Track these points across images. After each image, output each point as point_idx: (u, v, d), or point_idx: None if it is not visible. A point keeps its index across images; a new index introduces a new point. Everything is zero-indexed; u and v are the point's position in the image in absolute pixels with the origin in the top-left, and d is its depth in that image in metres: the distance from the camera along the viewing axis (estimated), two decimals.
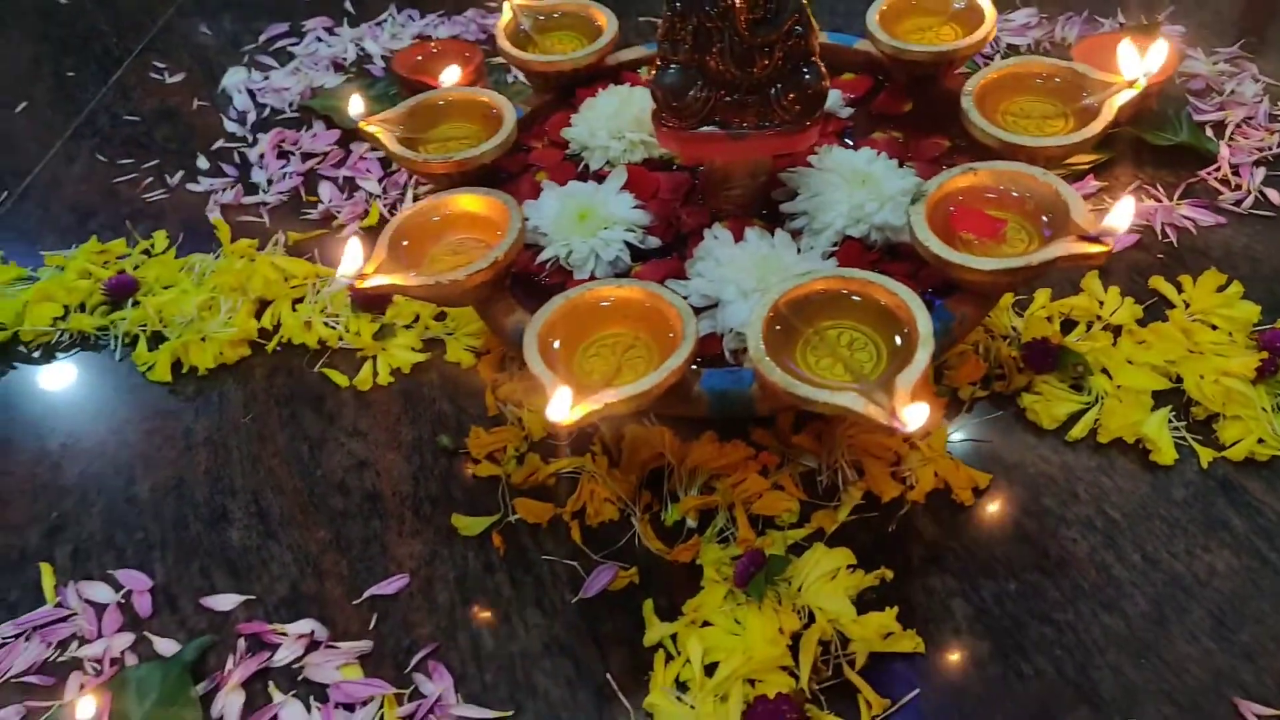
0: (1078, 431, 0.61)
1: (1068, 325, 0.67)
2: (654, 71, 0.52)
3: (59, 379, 0.72)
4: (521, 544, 0.59)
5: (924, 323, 0.43)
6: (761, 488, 0.58)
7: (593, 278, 0.54)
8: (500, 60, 0.72)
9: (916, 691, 0.51)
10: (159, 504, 0.63)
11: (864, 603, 0.53)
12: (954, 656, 0.52)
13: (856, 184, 0.55)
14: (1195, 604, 0.53)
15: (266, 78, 0.98)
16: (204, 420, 0.68)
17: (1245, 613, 0.53)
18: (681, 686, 0.51)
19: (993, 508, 0.58)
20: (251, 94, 0.96)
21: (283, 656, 0.55)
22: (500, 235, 0.52)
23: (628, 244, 0.56)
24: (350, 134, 0.89)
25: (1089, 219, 0.45)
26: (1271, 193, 0.76)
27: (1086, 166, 0.78)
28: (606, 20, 0.67)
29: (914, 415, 0.39)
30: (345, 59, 1.00)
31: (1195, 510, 0.57)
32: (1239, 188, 0.76)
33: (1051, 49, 0.92)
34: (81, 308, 0.76)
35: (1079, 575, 0.55)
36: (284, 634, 0.55)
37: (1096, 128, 0.51)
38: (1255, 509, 0.57)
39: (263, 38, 1.04)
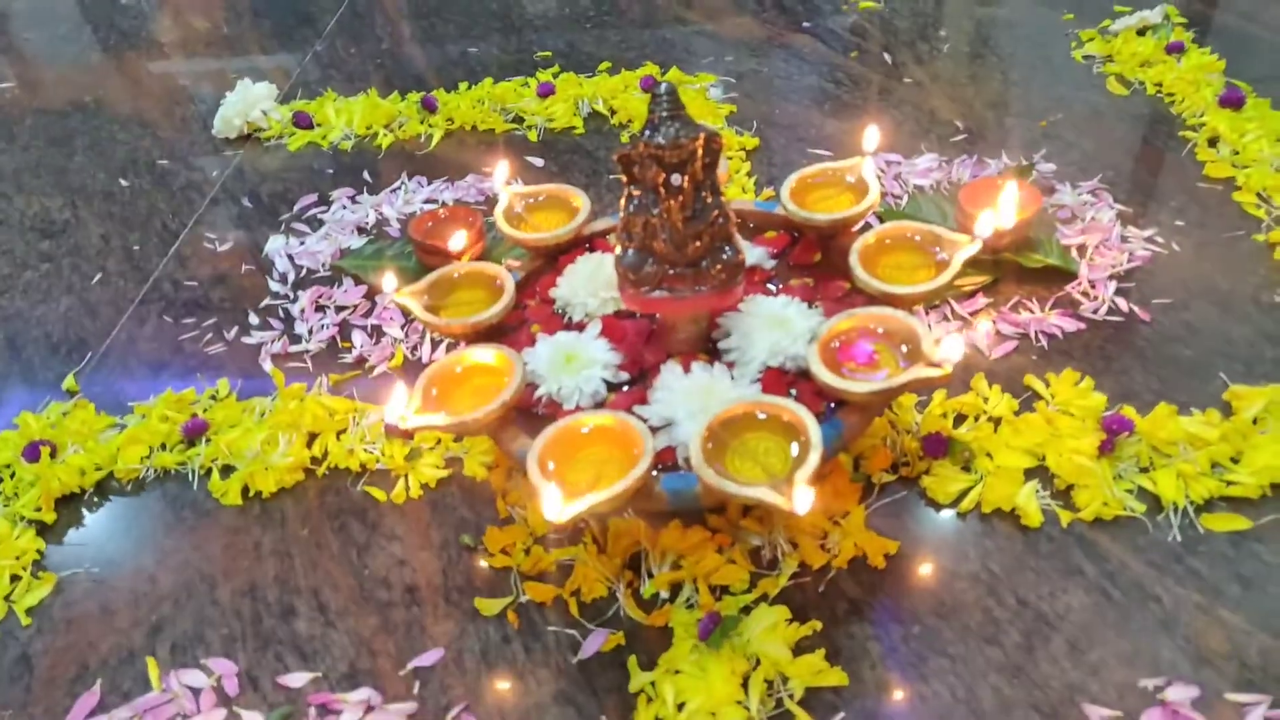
0: (966, 504, 0.77)
1: (959, 419, 0.84)
2: (617, 249, 0.70)
3: (149, 507, 0.88)
4: (531, 619, 0.74)
5: (814, 433, 0.60)
6: (718, 563, 0.74)
7: (578, 408, 0.71)
8: (494, 219, 0.90)
9: (842, 715, 0.66)
10: (238, 604, 0.79)
11: (800, 648, 0.69)
12: (871, 686, 0.67)
13: (774, 326, 0.72)
14: (1056, 634, 0.69)
15: (302, 243, 1.17)
16: (270, 534, 0.84)
17: (1093, 638, 0.68)
18: None
19: (900, 568, 0.74)
20: (290, 258, 1.15)
21: None
22: (508, 380, 0.69)
23: (604, 380, 0.73)
24: (375, 288, 1.07)
25: (932, 350, 0.63)
26: (1121, 301, 0.94)
27: (975, 288, 0.96)
28: (581, 201, 0.86)
29: (803, 500, 0.56)
30: (367, 223, 1.19)
31: (1056, 561, 0.73)
32: (1096, 298, 0.94)
33: (948, 188, 1.11)
34: (163, 447, 0.92)
35: (967, 617, 0.71)
36: (346, 701, 0.70)
37: (945, 278, 0.69)
38: (1102, 557, 0.73)
39: (296, 207, 1.24)
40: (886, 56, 1.40)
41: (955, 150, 1.18)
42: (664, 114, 0.65)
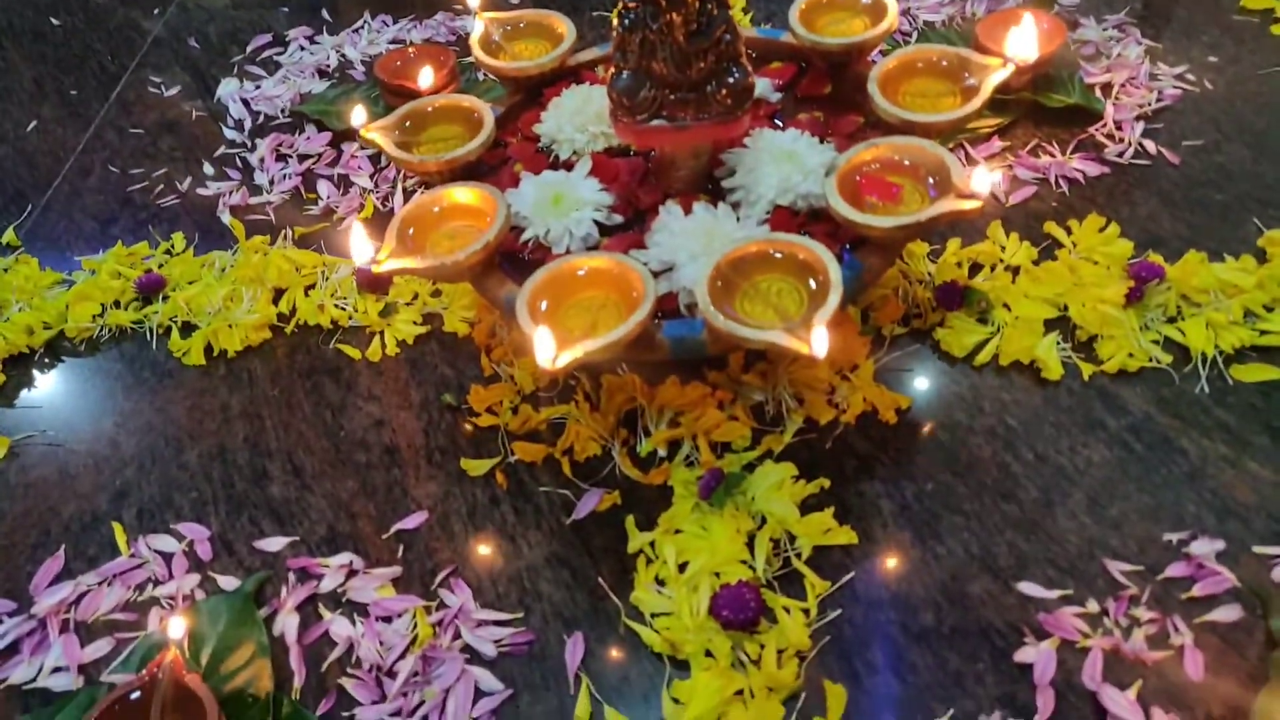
0: (982, 357, 0.73)
1: (975, 268, 0.78)
2: (609, 75, 0.62)
3: (105, 368, 0.82)
4: (521, 479, 0.70)
5: (834, 272, 0.54)
6: (718, 419, 0.69)
7: (568, 252, 0.65)
8: (471, 60, 0.82)
9: (851, 574, 0.62)
10: (207, 468, 0.74)
11: (806, 507, 0.65)
12: (881, 544, 0.64)
13: (783, 160, 0.66)
14: (1075, 489, 0.65)
15: (258, 87, 1.07)
16: (237, 395, 0.78)
17: (1115, 493, 0.65)
18: (660, 583, 0.63)
19: (913, 424, 0.70)
20: (246, 103, 1.05)
21: (328, 584, 0.65)
22: (490, 221, 0.63)
23: (595, 222, 0.66)
24: (341, 135, 0.99)
25: (964, 182, 0.56)
26: (1148, 144, 0.87)
27: (991, 129, 0.89)
28: (566, 28, 0.77)
29: (820, 342, 0.51)
30: (329, 65, 1.09)
31: (1077, 415, 0.69)
32: (1121, 141, 0.88)
33: (962, 24, 1.03)
34: (117, 305, 0.85)
35: (983, 474, 0.67)
36: (327, 566, 0.66)
37: (976, 104, 0.62)
38: (1125, 410, 0.69)
39: (249, 48, 1.13)
40: None
41: None
42: None
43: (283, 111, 1.04)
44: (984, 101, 0.62)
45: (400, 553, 0.67)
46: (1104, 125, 0.89)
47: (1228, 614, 0.58)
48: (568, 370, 0.53)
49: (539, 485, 0.69)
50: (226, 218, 0.92)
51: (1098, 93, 0.92)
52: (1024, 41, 0.83)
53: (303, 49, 1.12)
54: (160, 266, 0.88)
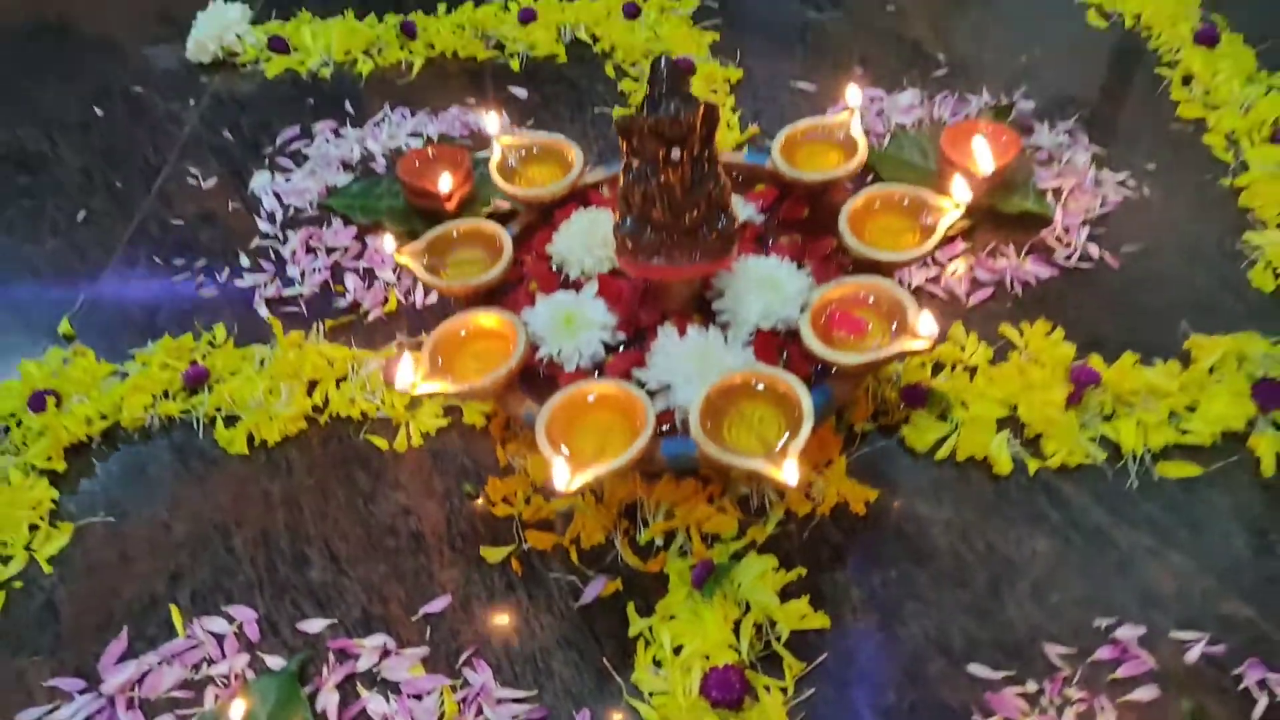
0: (943, 452, 0.82)
1: (937, 367, 0.88)
2: (617, 216, 0.72)
3: (157, 455, 0.91)
4: (533, 565, 0.79)
5: (806, 405, 0.63)
6: (709, 512, 0.78)
7: (578, 369, 0.74)
8: (484, 155, 0.91)
9: (825, 656, 0.72)
10: (252, 553, 0.83)
11: (786, 594, 0.74)
12: (851, 628, 0.73)
13: (765, 288, 0.75)
14: (1021, 578, 0.75)
15: (288, 180, 1.16)
16: (278, 483, 0.87)
17: (1055, 581, 0.74)
18: (657, 664, 0.72)
19: (880, 515, 0.79)
20: (277, 196, 1.15)
21: (364, 664, 0.74)
22: (510, 343, 0.72)
23: (602, 341, 0.76)
24: (366, 229, 1.08)
25: (917, 323, 0.66)
26: (1093, 248, 0.97)
27: (954, 234, 0.99)
28: (574, 154, 0.87)
29: (791, 473, 0.60)
30: (352, 159, 1.19)
31: (1024, 507, 0.79)
32: (1069, 245, 0.98)
33: (931, 127, 1.13)
34: (166, 395, 0.94)
35: (941, 562, 0.76)
36: (363, 646, 0.75)
37: (929, 246, 0.72)
38: (1065, 504, 0.78)
39: (279, 140, 1.22)
40: None
41: (937, 86, 1.19)
42: (663, 90, 0.66)
43: (311, 204, 1.13)
44: (936, 243, 0.72)
45: (428, 634, 0.76)
46: (1054, 229, 0.99)
47: (1146, 693, 0.67)
48: (579, 491, 0.63)
49: (550, 571, 0.78)
50: (263, 310, 1.02)
51: (1049, 198, 1.02)
52: (982, 157, 0.94)
53: (328, 141, 1.21)
54: (204, 358, 0.97)
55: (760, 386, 0.66)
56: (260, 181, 1.17)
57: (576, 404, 0.68)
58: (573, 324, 0.76)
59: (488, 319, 0.74)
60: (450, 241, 0.82)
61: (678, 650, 0.71)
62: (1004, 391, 0.84)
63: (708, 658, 0.70)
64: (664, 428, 0.70)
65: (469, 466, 0.87)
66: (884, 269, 0.73)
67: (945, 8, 1.32)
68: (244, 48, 1.36)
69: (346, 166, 1.18)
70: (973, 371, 0.87)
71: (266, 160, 1.20)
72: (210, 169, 1.20)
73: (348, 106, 1.26)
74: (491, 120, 0.89)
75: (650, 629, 0.73)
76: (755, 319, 0.74)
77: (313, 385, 0.94)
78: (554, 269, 0.83)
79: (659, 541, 0.79)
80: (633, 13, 1.32)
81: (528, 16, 1.32)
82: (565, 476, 0.62)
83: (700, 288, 0.78)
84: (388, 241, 0.81)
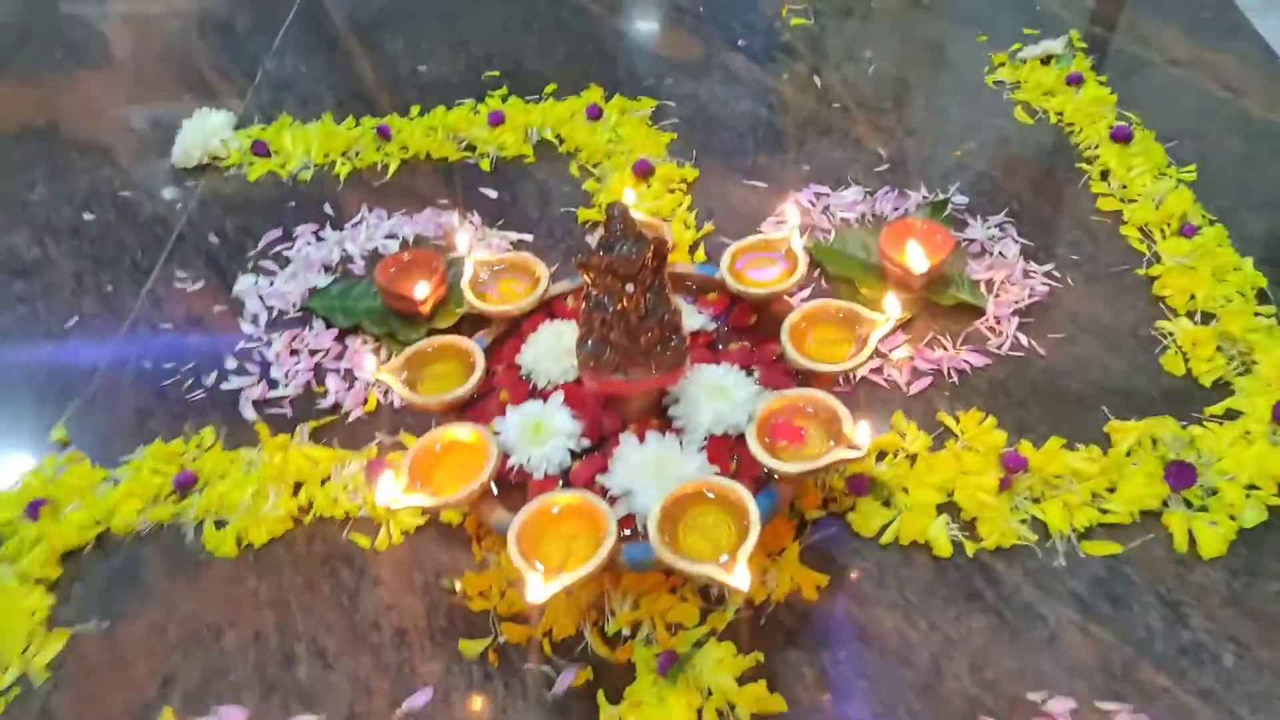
0: (887, 537, 0.89)
1: (880, 454, 0.95)
2: (579, 338, 0.79)
3: (149, 558, 0.96)
4: (509, 658, 0.85)
5: (754, 513, 0.70)
6: (672, 602, 0.85)
7: (546, 476, 0.81)
8: (458, 255, 0.98)
9: None
10: (243, 652, 0.88)
11: (744, 678, 0.80)
12: (806, 708, 0.79)
13: (717, 395, 0.83)
14: (959, 654, 0.81)
15: (271, 283, 1.23)
16: (266, 583, 0.93)
17: (990, 657, 0.81)
18: None
19: (830, 598, 0.86)
20: (261, 298, 1.21)
21: None
22: (483, 456, 0.79)
23: (568, 449, 0.83)
24: (346, 330, 1.15)
25: (852, 433, 0.73)
26: (1022, 337, 1.05)
27: (893, 327, 1.07)
28: (540, 270, 0.94)
29: (743, 578, 0.67)
30: (332, 261, 1.25)
31: (962, 587, 0.86)
32: (1001, 334, 1.06)
33: (873, 221, 1.21)
34: (157, 500, 1.00)
35: (886, 642, 0.83)
36: None
37: (862, 357, 0.80)
38: (999, 582, 0.85)
39: (262, 243, 1.29)
40: (816, 79, 1.48)
41: (878, 181, 1.28)
42: (618, 232, 0.74)
43: (294, 306, 1.20)
44: (869, 354, 0.80)
45: None
46: (987, 319, 1.07)
47: None
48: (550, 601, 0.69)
49: (524, 662, 0.84)
50: (249, 413, 1.07)
51: (982, 289, 1.10)
52: (916, 257, 1.02)
53: (309, 244, 1.28)
54: (193, 462, 1.03)
55: (711, 495, 0.73)
56: (245, 285, 1.23)
57: (543, 515, 0.74)
58: (541, 432, 0.83)
59: (462, 432, 0.80)
60: (426, 357, 0.89)
61: None
62: (941, 478, 0.92)
63: None
64: (625, 532, 0.77)
65: (447, 562, 0.93)
66: (821, 377, 0.81)
67: (886, 105, 1.42)
68: (228, 152, 1.43)
69: (327, 269, 1.25)
70: (913, 459, 0.94)
71: (250, 263, 1.27)
72: (197, 272, 1.26)
73: (327, 209, 1.34)
74: (463, 239, 0.96)
75: (620, 716, 0.79)
76: (707, 425, 0.82)
77: (298, 486, 0.99)
78: (523, 378, 0.90)
79: (626, 631, 0.85)
80: (595, 114, 1.41)
81: (497, 119, 1.41)
82: (538, 589, 0.68)
83: (658, 396, 0.85)
84: (368, 360, 0.87)
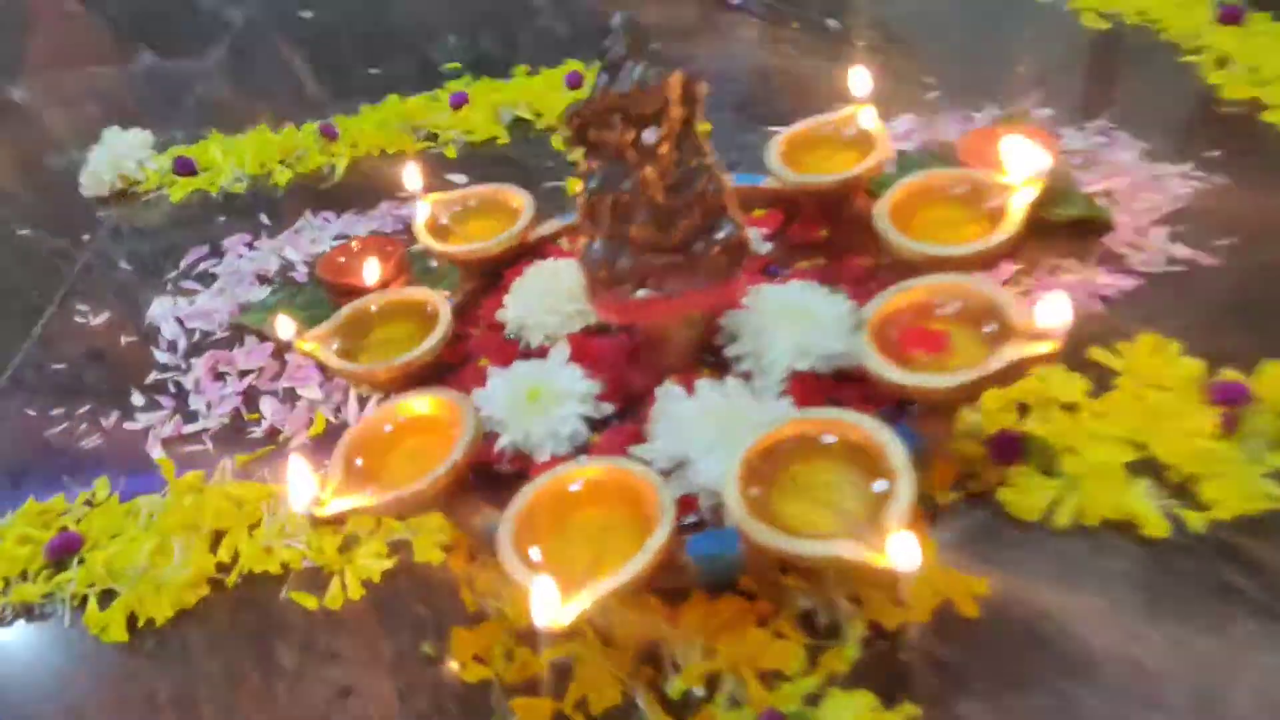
0: (1062, 518, 0.61)
1: (1022, 411, 0.67)
2: (579, 246, 0.53)
3: (8, 655, 0.67)
4: None
5: (897, 454, 0.42)
6: (762, 641, 0.56)
7: (553, 458, 0.53)
8: (421, 247, 0.73)
9: None
10: None
11: None
12: None
13: (795, 318, 0.56)
14: (1234, 681, 0.52)
15: (192, 303, 0.97)
16: (168, 677, 0.64)
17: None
18: None
19: (999, 615, 0.57)
20: (180, 321, 0.95)
21: None
22: (456, 433, 0.51)
23: (583, 417, 0.55)
24: (287, 345, 0.88)
25: (1030, 320, 0.46)
26: (1177, 248, 0.79)
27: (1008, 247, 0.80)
28: (522, 200, 0.68)
29: (907, 552, 0.39)
30: (269, 270, 1.00)
31: (1203, 579, 0.56)
32: (1145, 249, 0.79)
33: (939, 149, 0.96)
34: (24, 576, 0.72)
35: (1110, 673, 0.53)
36: None
37: (1010, 229, 0.53)
38: (1259, 567, 0.56)
39: (184, 263, 1.04)
40: (831, 22, 1.26)
41: (931, 109, 1.03)
42: (623, 52, 0.48)
43: (220, 326, 0.94)
44: (1020, 225, 0.53)
45: None
46: (1120, 235, 0.81)
47: None
48: (576, 626, 0.40)
49: None
50: (157, 453, 0.80)
51: (1101, 201, 0.84)
52: (1024, 153, 0.75)
53: (241, 257, 1.03)
54: (78, 522, 0.75)
55: (825, 438, 0.45)
56: (160, 309, 0.97)
57: (557, 500, 0.46)
58: (540, 398, 0.55)
59: (422, 403, 0.53)
60: (368, 320, 0.62)
61: None
62: (1125, 428, 0.64)
63: None
64: (685, 520, 0.49)
65: (427, 619, 0.64)
66: (954, 271, 0.54)
67: (919, 36, 1.19)
68: (145, 174, 1.19)
69: (263, 280, 0.99)
70: (1071, 409, 0.67)
71: (168, 285, 1.01)
72: (103, 304, 1.01)
73: (263, 218, 1.09)
74: (411, 173, 0.71)
75: None
76: (787, 359, 0.54)
77: (219, 538, 0.71)
78: (510, 339, 0.63)
79: (699, 692, 0.56)
80: (576, 82, 1.17)
81: (459, 101, 1.17)
82: (553, 605, 0.40)
83: (704, 331, 0.58)
84: (283, 325, 0.61)
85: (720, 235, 0.51)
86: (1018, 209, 0.53)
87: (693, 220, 0.51)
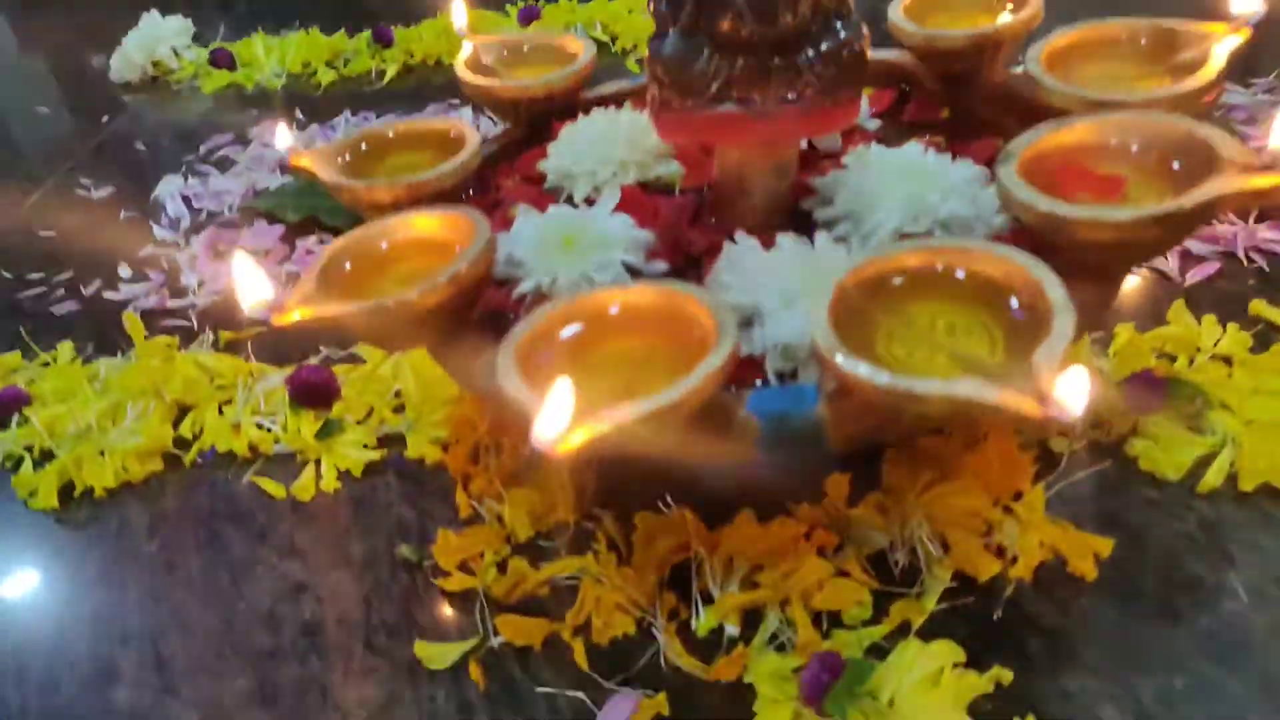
0: (1212, 480, 0.48)
1: (1169, 360, 0.55)
2: (649, 39, 0.42)
3: None
4: (508, 674, 0.44)
5: (1055, 289, 0.31)
6: (822, 575, 0.44)
7: None
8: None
9: None
10: (23, 665, 0.48)
11: (979, 717, 0.39)
12: None
13: (908, 178, 0.44)
14: None
15: (205, 183, 0.88)
16: (96, 553, 0.53)
17: None
18: None
19: (1124, 581, 0.45)
20: (187, 200, 0.86)
21: None
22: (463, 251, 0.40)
23: (628, 267, 0.44)
24: (295, 230, 0.79)
25: (1248, 151, 0.34)
26: None
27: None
28: (582, 46, 0.58)
29: (1072, 396, 0.27)
30: None
31: None
32: None
33: None
34: None
35: (1267, 659, 0.41)
36: None
37: (1211, 74, 0.41)
38: None
39: (203, 148, 0.95)
40: None
41: None
42: None
43: (230, 208, 0.85)
44: (1219, 73, 0.41)
45: None
46: None
47: None
48: (582, 456, 0.29)
49: (536, 684, 0.43)
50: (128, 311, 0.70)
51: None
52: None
53: (266, 146, 0.94)
54: (31, 383, 0.65)
55: (954, 274, 0.34)
56: (168, 186, 0.88)
57: (587, 323, 0.35)
58: (577, 245, 0.44)
59: (426, 221, 0.42)
60: (383, 144, 0.52)
61: None
62: None
63: None
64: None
65: (410, 522, 0.53)
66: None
67: None
68: (181, 64, 1.11)
69: (284, 170, 0.90)
70: (1227, 362, 0.54)
71: (184, 168, 0.92)
72: (108, 180, 0.92)
73: (299, 114, 1.00)
74: (458, 9, 0.61)
75: None
76: (897, 220, 0.43)
77: (184, 413, 0.61)
78: (549, 191, 0.52)
79: (732, 629, 0.44)
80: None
81: (529, 16, 1.08)
82: (561, 422, 0.28)
83: (791, 190, 0.47)
84: (281, 133, 0.51)
85: (837, 38, 0.40)
86: (1219, 57, 0.41)
87: (800, 15, 0.39)
